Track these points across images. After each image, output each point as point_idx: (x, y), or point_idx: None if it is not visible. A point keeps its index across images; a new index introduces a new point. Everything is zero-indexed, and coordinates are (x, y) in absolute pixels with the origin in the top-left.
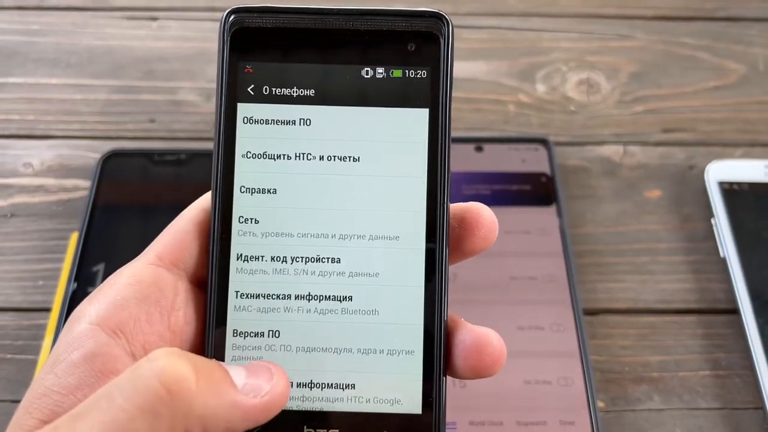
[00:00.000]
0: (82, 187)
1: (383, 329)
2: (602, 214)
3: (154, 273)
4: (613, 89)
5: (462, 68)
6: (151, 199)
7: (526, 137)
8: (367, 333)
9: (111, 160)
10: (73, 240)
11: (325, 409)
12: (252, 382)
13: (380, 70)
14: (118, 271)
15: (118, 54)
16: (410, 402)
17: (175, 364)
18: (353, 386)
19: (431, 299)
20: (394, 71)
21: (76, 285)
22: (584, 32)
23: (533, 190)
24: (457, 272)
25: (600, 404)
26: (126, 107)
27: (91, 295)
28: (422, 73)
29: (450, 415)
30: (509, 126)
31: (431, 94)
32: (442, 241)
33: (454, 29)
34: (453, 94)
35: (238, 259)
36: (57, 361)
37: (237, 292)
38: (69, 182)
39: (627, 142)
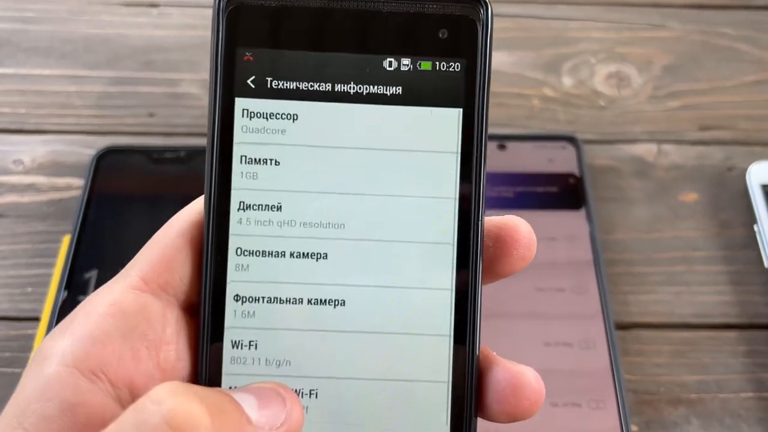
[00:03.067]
0: (76, 186)
1: (408, 365)
2: (633, 218)
3: (138, 300)
4: (646, 83)
5: None
6: (149, 200)
7: (552, 135)
8: (390, 369)
9: (106, 157)
10: (65, 244)
11: None
12: (266, 413)
13: (405, 61)
14: (93, 296)
15: (116, 43)
16: None
17: (184, 406)
18: (377, 428)
19: (462, 332)
20: (423, 63)
21: (66, 294)
22: (614, 21)
23: (561, 193)
24: None
25: (634, 428)
26: (123, 100)
27: (60, 326)
28: (456, 66)
29: None
30: (533, 122)
31: (466, 90)
32: (474, 268)
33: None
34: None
35: (236, 300)
36: (26, 412)
37: (233, 340)
38: (62, 181)
39: (661, 140)
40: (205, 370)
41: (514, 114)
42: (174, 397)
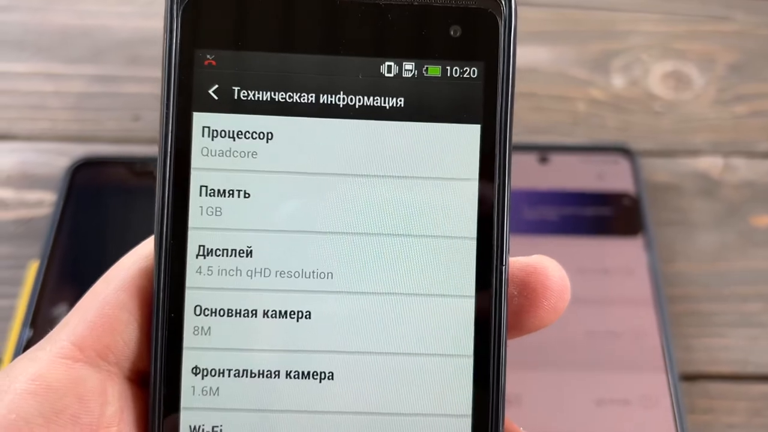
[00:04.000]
0: (48, 202)
1: None
2: (697, 246)
3: (70, 373)
4: (708, 84)
5: (518, 56)
6: (132, 221)
7: (602, 145)
8: None
9: (83, 169)
10: (32, 271)
11: None
12: None
13: (409, 65)
14: (11, 367)
15: (98, 35)
16: None
17: None
18: None
19: (483, 412)
20: (430, 68)
21: (31, 332)
22: (670, 12)
23: (613, 216)
24: None
25: None
26: (105, 101)
27: None
28: (471, 72)
29: None
30: (578, 129)
31: (485, 102)
32: (498, 326)
33: (518, 7)
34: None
35: (195, 373)
36: None
37: (192, 425)
38: (32, 196)
39: (728, 152)
40: None
41: (556, 120)
42: None
